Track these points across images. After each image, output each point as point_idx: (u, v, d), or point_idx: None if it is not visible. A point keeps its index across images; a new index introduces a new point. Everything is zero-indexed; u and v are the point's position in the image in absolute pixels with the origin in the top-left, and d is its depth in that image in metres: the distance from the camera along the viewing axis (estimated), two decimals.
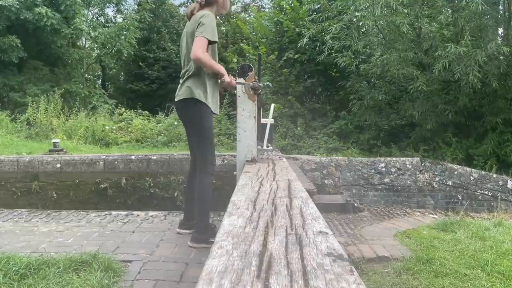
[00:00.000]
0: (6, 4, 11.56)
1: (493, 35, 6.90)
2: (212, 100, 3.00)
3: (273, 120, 5.08)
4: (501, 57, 5.98)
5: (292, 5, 9.44)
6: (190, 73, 2.94)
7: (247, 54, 10.52)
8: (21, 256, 2.58)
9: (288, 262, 0.80)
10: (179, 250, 3.01)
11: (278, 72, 9.29)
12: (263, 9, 17.20)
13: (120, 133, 8.47)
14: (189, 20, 3.01)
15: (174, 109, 3.39)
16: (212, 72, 2.95)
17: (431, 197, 5.54)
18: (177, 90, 3.05)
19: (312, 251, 0.87)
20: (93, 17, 17.21)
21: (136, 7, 18.25)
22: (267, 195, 1.53)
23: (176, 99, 3.06)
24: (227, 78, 2.96)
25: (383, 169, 5.60)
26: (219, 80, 3.03)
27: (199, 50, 2.73)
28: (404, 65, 6.80)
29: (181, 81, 3.04)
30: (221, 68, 2.95)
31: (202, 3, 3.00)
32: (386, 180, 5.58)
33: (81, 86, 14.27)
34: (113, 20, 18.75)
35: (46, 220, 4.08)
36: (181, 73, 3.06)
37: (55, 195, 4.95)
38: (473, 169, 5.62)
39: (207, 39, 2.77)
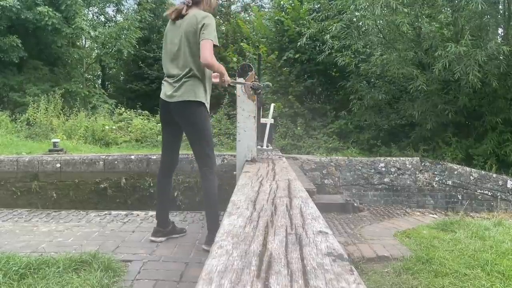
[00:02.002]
0: (7, 5, 11.54)
1: (493, 35, 6.91)
2: (208, 101, 3.00)
3: (273, 120, 5.08)
4: (501, 57, 5.98)
5: (293, 4, 9.44)
6: (190, 74, 2.84)
7: (247, 54, 10.53)
8: (21, 256, 2.58)
9: (288, 262, 0.80)
10: (179, 250, 3.01)
11: (278, 71, 9.29)
12: (263, 9, 17.20)
13: (120, 133, 8.47)
14: (177, 19, 2.92)
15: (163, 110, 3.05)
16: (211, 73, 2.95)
17: (431, 197, 5.54)
18: (172, 90, 2.87)
19: (312, 251, 0.87)
20: (93, 17, 17.20)
21: (136, 6, 18.23)
22: (267, 195, 1.53)
23: (173, 100, 2.85)
24: (227, 77, 2.95)
25: (383, 169, 5.60)
26: (217, 79, 3.01)
27: (210, 54, 2.73)
28: (404, 64, 6.80)
29: (173, 80, 2.88)
30: (223, 69, 2.94)
31: (189, 4, 2.92)
32: (386, 180, 5.58)
33: (81, 86, 14.25)
34: (113, 19, 18.73)
35: (46, 220, 4.08)
36: (175, 73, 2.89)
37: (55, 195, 4.95)
38: (473, 169, 5.62)
39: (213, 42, 2.76)
